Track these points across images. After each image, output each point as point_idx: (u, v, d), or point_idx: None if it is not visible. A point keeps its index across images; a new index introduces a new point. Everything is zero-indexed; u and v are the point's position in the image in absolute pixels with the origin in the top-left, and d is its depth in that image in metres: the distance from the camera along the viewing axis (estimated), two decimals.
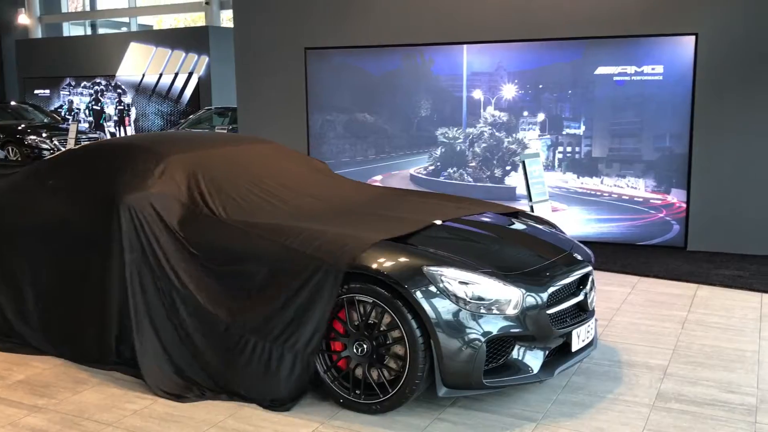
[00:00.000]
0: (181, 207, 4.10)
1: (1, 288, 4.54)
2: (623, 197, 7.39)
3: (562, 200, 7.55)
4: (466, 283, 3.48)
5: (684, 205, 7.18)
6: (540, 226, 4.55)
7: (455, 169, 8.08)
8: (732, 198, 7.00)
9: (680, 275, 6.20)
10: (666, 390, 3.88)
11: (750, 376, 4.06)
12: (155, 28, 23.75)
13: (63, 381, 4.04)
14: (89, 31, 23.79)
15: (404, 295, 3.44)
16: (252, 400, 3.70)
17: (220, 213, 4.08)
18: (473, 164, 7.98)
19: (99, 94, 19.18)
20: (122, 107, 18.86)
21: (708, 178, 7.04)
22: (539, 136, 7.64)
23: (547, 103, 7.58)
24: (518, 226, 4.49)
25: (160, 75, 18.28)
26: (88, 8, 24.16)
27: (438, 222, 4.14)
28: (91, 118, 19.24)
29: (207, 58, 17.71)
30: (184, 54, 18.02)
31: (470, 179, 8.02)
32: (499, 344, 3.54)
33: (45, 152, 14.14)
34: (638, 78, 7.18)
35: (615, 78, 7.27)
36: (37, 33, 23.33)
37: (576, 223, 7.47)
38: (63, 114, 18.96)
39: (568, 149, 7.54)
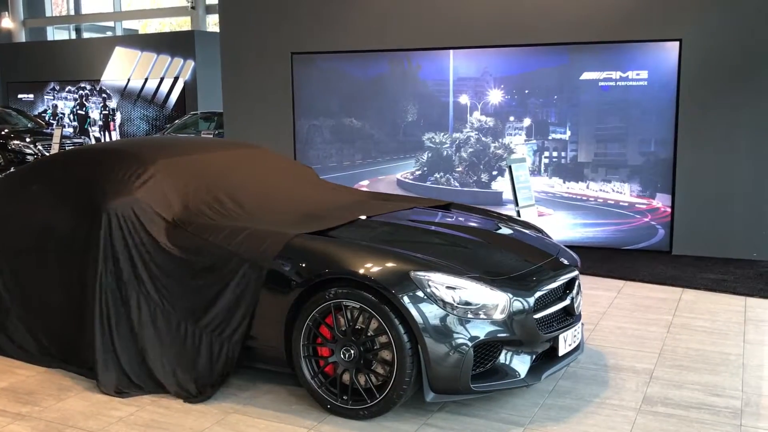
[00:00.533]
0: (154, 213, 4.11)
1: None
2: (609, 202, 7.43)
3: (548, 205, 7.59)
4: (453, 288, 3.48)
5: (669, 210, 7.23)
6: (526, 231, 4.57)
7: (442, 173, 8.09)
8: (716, 202, 7.06)
9: (665, 279, 6.24)
10: (652, 394, 3.90)
11: (735, 379, 4.09)
12: (141, 32, 23.64)
13: (47, 388, 4.00)
14: (74, 36, 23.65)
15: (391, 300, 3.44)
16: (177, 392, 3.83)
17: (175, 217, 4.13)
18: (460, 169, 8.00)
19: (84, 98, 19.06)
20: (107, 112, 18.74)
21: (692, 182, 7.11)
22: (525, 141, 7.67)
23: (533, 108, 7.62)
24: (505, 230, 4.50)
25: (146, 79, 18.20)
26: (72, 12, 24.03)
27: (363, 217, 4.30)
28: (75, 123, 19.11)
29: (193, 63, 17.65)
30: (169, 58, 17.96)
31: (457, 184, 8.04)
32: (487, 349, 3.55)
33: (29, 157, 14.02)
34: (623, 83, 7.23)
35: (600, 83, 7.32)
36: (21, 37, 23.17)
37: (562, 228, 7.50)
38: (47, 119, 18.82)
39: (554, 154, 7.58)
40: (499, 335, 3.53)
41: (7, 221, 4.53)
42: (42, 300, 4.32)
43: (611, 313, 5.35)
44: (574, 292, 4.02)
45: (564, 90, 7.48)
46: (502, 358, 3.59)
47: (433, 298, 3.44)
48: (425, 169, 8.17)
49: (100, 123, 18.82)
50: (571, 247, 4.85)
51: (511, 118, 7.71)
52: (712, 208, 7.07)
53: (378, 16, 8.23)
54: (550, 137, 7.58)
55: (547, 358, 3.77)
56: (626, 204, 7.37)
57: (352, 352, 3.56)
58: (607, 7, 7.24)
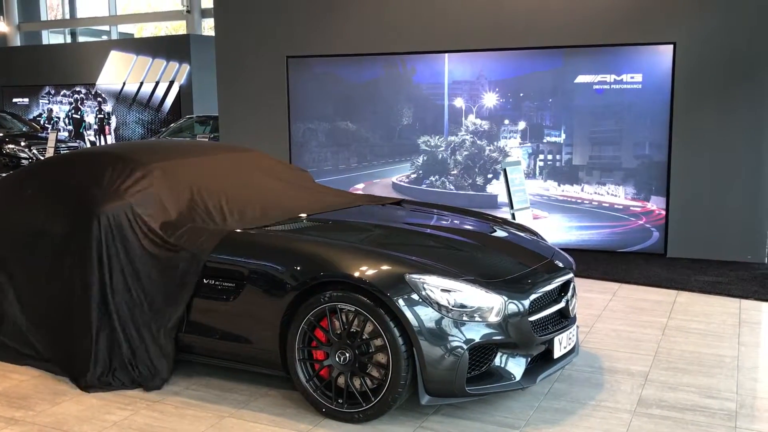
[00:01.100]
0: (144, 217, 4.15)
1: None
2: (603, 204, 7.45)
3: (543, 208, 7.60)
4: (448, 291, 3.48)
5: (663, 212, 7.25)
6: (521, 234, 4.57)
7: (437, 177, 8.10)
8: (711, 205, 7.08)
9: (660, 282, 6.25)
10: (647, 396, 3.90)
11: (729, 381, 4.10)
12: (136, 36, 23.63)
13: (41, 392, 3.99)
14: (69, 39, 23.63)
15: (387, 303, 3.44)
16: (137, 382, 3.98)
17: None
18: (455, 172, 8.01)
19: (79, 102, 19.03)
20: (102, 116, 18.72)
21: (687, 185, 7.13)
22: (520, 144, 7.69)
23: (528, 111, 7.63)
24: (500, 233, 4.51)
25: (141, 83, 18.18)
26: (67, 16, 24.02)
27: (303, 215, 4.40)
28: (70, 127, 19.08)
29: (188, 67, 17.65)
30: (165, 62, 17.95)
31: (452, 187, 8.05)
32: (482, 352, 3.55)
33: (23, 161, 13.99)
34: (617, 86, 7.25)
35: (595, 86, 7.34)
36: (16, 41, 23.14)
37: (557, 231, 7.52)
38: (42, 123, 18.78)
39: (549, 157, 7.60)
40: (494, 338, 3.53)
41: (2, 224, 4.52)
42: (35, 304, 4.31)
43: (606, 315, 5.35)
44: (569, 294, 4.02)
45: (558, 93, 7.50)
46: (497, 361, 3.59)
47: (428, 301, 3.44)
48: (420, 172, 8.17)
49: (96, 127, 18.79)
50: (566, 249, 4.86)
51: (506, 122, 7.73)
52: (706, 210, 7.09)
53: (373, 20, 8.24)
54: (544, 140, 7.60)
55: (542, 361, 3.77)
56: (621, 207, 7.39)
57: (348, 355, 3.56)
58: (601, 11, 7.27)
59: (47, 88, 19.50)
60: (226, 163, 4.94)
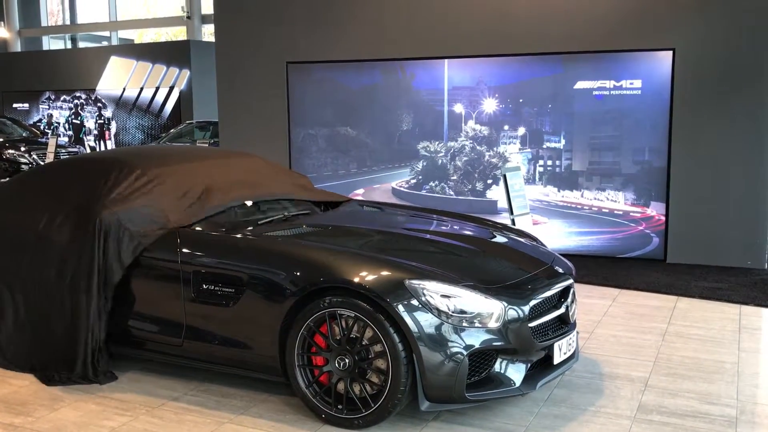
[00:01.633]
0: (139, 223, 4.18)
1: None
2: (603, 210, 7.45)
3: (542, 213, 7.60)
4: (448, 297, 3.48)
5: (663, 218, 7.25)
6: (521, 240, 4.57)
7: (437, 182, 8.11)
8: (710, 211, 7.08)
9: (660, 287, 6.25)
10: (647, 402, 3.90)
11: (730, 387, 4.09)
12: (136, 42, 23.67)
13: (40, 398, 3.98)
14: (69, 45, 23.67)
15: (386, 309, 3.43)
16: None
17: None
18: (455, 178, 8.02)
19: (79, 107, 19.05)
20: (102, 121, 18.73)
21: (686, 191, 7.13)
22: (520, 149, 7.69)
23: (528, 117, 7.64)
24: (500, 239, 4.51)
25: (141, 89, 18.21)
26: (68, 22, 24.06)
27: (249, 203, 4.51)
28: (70, 132, 19.10)
29: (188, 72, 17.68)
30: (165, 68, 17.98)
31: (452, 193, 8.05)
32: (482, 358, 3.54)
33: (24, 166, 14.00)
34: (617, 92, 7.26)
35: (594, 92, 7.35)
36: (17, 47, 23.18)
37: (557, 236, 7.51)
38: (42, 128, 18.80)
39: (549, 163, 7.60)
40: (494, 344, 3.52)
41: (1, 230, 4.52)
42: (33, 308, 4.30)
43: (606, 321, 5.35)
44: (569, 300, 4.02)
45: (558, 99, 7.51)
46: (497, 367, 3.58)
47: (427, 307, 3.44)
48: (420, 177, 8.18)
49: (96, 132, 18.81)
50: (565, 255, 4.85)
51: (506, 127, 7.73)
52: (706, 216, 7.09)
53: (373, 26, 8.26)
54: (544, 146, 7.60)
55: (542, 367, 3.76)
56: (621, 212, 7.39)
57: (347, 361, 3.55)
58: (600, 17, 7.28)
59: (47, 94, 19.53)
60: (229, 168, 4.95)
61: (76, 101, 19.09)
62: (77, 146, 17.34)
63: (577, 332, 4.19)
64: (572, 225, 7.56)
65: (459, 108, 7.90)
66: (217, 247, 4.01)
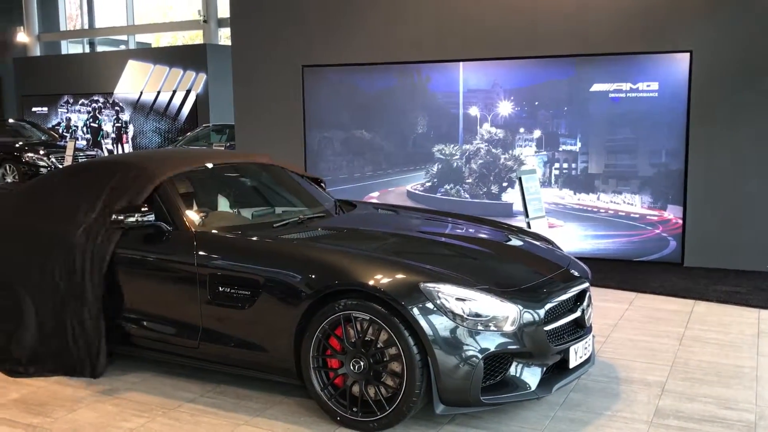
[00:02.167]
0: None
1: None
2: (619, 213, 7.41)
3: (558, 216, 7.57)
4: (463, 300, 3.48)
5: (680, 221, 7.19)
6: (537, 243, 4.55)
7: (452, 185, 8.10)
8: (728, 214, 7.02)
9: (677, 291, 6.20)
10: (664, 406, 3.87)
11: (748, 392, 4.05)
12: (153, 46, 23.86)
13: (58, 399, 4.02)
14: (87, 49, 23.89)
15: (401, 312, 3.44)
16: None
17: None
18: (470, 180, 8.00)
19: (97, 111, 19.23)
20: (120, 124, 18.90)
21: (704, 194, 7.07)
22: (536, 152, 7.67)
23: (543, 119, 7.62)
24: (515, 242, 4.50)
25: (158, 92, 18.34)
26: (86, 26, 24.29)
27: (209, 165, 4.78)
28: (88, 136, 19.27)
29: (205, 76, 17.79)
30: (182, 72, 18.10)
31: (467, 195, 8.04)
32: (497, 361, 3.53)
33: (42, 169, 14.15)
34: (633, 95, 7.22)
35: (610, 95, 7.31)
36: (36, 51, 23.44)
37: (573, 240, 7.48)
38: (61, 131, 18.99)
39: (565, 165, 7.57)
40: (509, 347, 3.51)
41: (17, 234, 4.58)
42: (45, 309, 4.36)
43: (622, 325, 5.31)
44: (585, 303, 4.00)
45: (574, 101, 7.48)
46: (512, 371, 3.57)
47: (442, 310, 3.44)
48: (435, 180, 8.17)
49: (113, 136, 18.98)
50: (581, 258, 4.83)
51: (521, 130, 7.71)
52: (723, 219, 7.03)
53: (388, 29, 8.27)
54: (560, 149, 7.57)
55: (557, 371, 3.75)
56: (637, 215, 7.34)
57: (362, 363, 3.56)
58: (616, 19, 7.25)
59: (66, 97, 19.73)
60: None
61: (94, 105, 19.27)
62: (95, 149, 17.50)
63: (593, 336, 4.16)
64: (588, 228, 7.52)
65: (474, 111, 7.89)
66: (232, 249, 4.03)
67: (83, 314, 4.23)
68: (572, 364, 3.78)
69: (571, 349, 3.77)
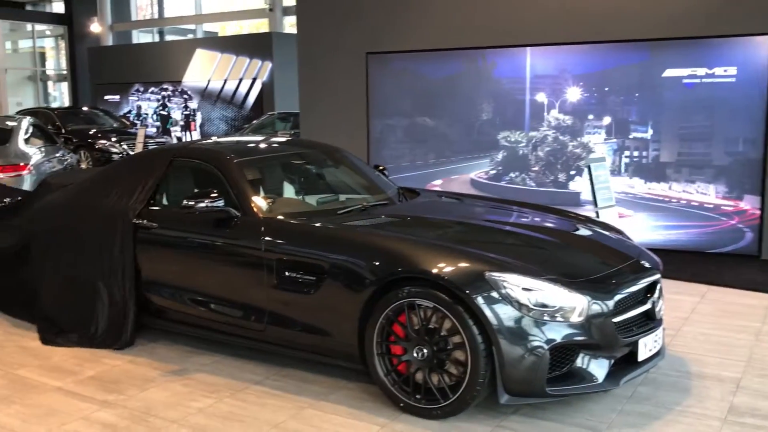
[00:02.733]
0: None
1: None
2: (693, 203, 7.15)
3: (628, 206, 7.37)
4: (529, 290, 3.43)
5: (758, 212, 6.90)
6: (606, 233, 4.44)
7: (517, 173, 7.98)
8: None
9: (753, 285, 5.95)
10: (739, 404, 3.73)
11: None
12: (219, 34, 24.29)
13: (131, 378, 4.16)
14: (157, 38, 24.51)
15: (465, 301, 3.41)
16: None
17: None
18: (536, 168, 7.86)
19: (166, 99, 19.72)
20: (188, 112, 19.33)
21: None
22: (605, 140, 7.47)
23: (613, 106, 7.41)
24: (584, 231, 4.40)
25: (225, 81, 18.67)
26: (156, 16, 24.91)
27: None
28: (158, 123, 19.80)
29: (270, 64, 17.99)
30: (248, 60, 18.36)
31: (533, 184, 7.90)
32: (563, 352, 3.47)
33: (114, 156, 14.61)
34: (709, 80, 6.94)
35: (684, 80, 7.05)
36: (109, 40, 24.18)
37: (643, 230, 7.26)
38: (131, 119, 19.56)
39: (635, 153, 7.35)
40: (576, 338, 3.45)
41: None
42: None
43: (694, 318, 5.14)
44: (656, 295, 3.89)
45: (646, 87, 7.24)
46: (579, 362, 3.51)
47: (508, 300, 3.40)
48: (500, 168, 8.07)
49: (182, 123, 19.44)
50: (651, 249, 4.68)
51: (590, 117, 7.52)
52: None
53: (453, 15, 8.18)
54: (630, 136, 7.36)
55: (626, 363, 3.66)
56: (711, 206, 7.08)
57: (426, 351, 3.55)
58: (691, 1, 6.97)
59: (137, 86, 20.28)
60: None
61: (163, 93, 19.76)
62: (164, 137, 17.97)
63: (664, 329, 4.04)
64: (659, 218, 7.30)
65: (541, 97, 7.73)
66: (299, 235, 4.08)
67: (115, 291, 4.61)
68: (641, 357, 3.69)
69: (641, 342, 3.67)
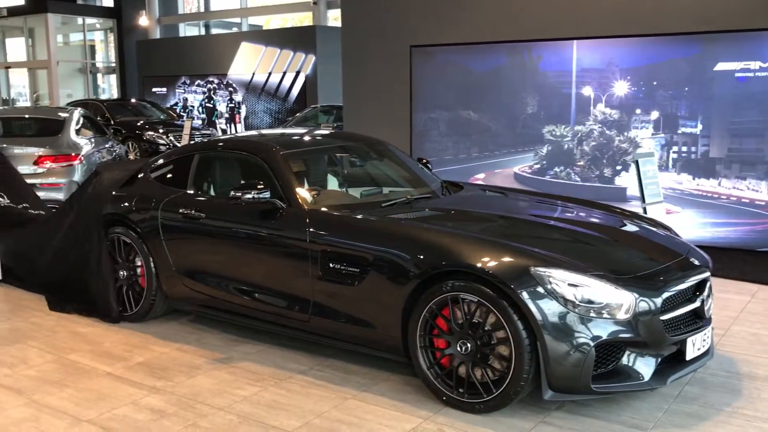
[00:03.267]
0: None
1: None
2: (743, 200, 6.98)
3: (675, 202, 7.22)
4: (575, 286, 3.40)
5: None
6: (654, 229, 4.37)
7: (562, 168, 7.88)
8: None
9: None
10: None
11: None
12: (264, 28, 24.50)
13: (178, 365, 4.25)
14: (203, 32, 24.85)
15: (510, 296, 3.40)
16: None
17: None
18: (581, 163, 7.76)
19: (211, 92, 20.00)
20: (233, 105, 19.58)
21: None
22: (652, 134, 7.33)
23: (662, 100, 7.26)
24: (631, 227, 4.34)
25: (269, 74, 18.84)
26: (202, 9, 25.24)
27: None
28: (204, 115, 20.09)
29: (314, 57, 18.10)
30: (291, 53, 18.50)
31: (578, 179, 7.80)
32: (609, 349, 3.44)
33: (162, 147, 14.89)
34: (763, 74, 6.75)
35: (737, 74, 6.87)
36: (156, 34, 24.60)
37: (690, 227, 7.12)
38: (178, 111, 19.89)
39: (683, 149, 7.20)
40: (622, 336, 3.41)
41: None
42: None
43: (744, 318, 5.03)
44: (705, 294, 3.82)
45: (696, 81, 7.08)
46: (625, 359, 3.47)
47: (553, 295, 3.37)
48: (544, 162, 7.98)
49: (227, 116, 19.69)
50: (699, 247, 4.59)
51: (638, 111, 7.39)
52: None
53: (498, 8, 8.11)
54: (679, 131, 7.21)
55: (673, 362, 3.61)
56: (763, 203, 6.89)
57: (469, 345, 3.55)
58: None
59: (183, 78, 20.60)
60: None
61: (209, 86, 20.05)
62: (210, 129, 18.23)
63: (712, 328, 3.97)
64: (707, 215, 7.14)
65: (588, 91, 7.62)
66: (343, 227, 4.10)
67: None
68: (689, 356, 3.63)
69: (689, 341, 3.62)
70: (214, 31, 24.60)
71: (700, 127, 7.10)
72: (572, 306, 3.37)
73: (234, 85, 19.52)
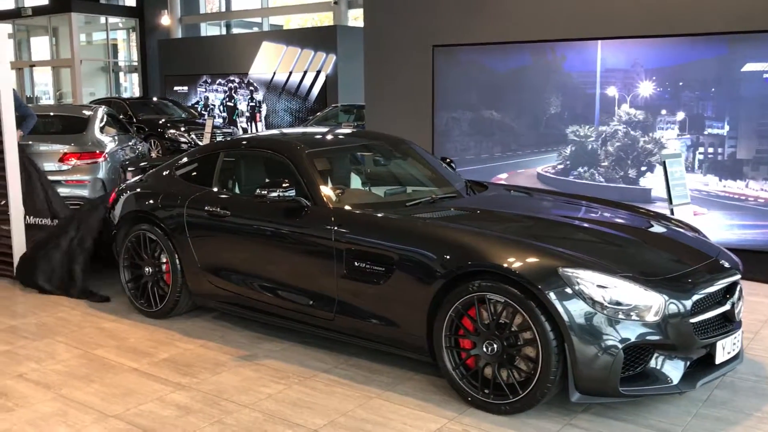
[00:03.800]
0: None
1: None
2: None
3: (701, 204, 7.13)
4: (603, 287, 3.36)
5: None
6: (682, 230, 4.32)
7: (586, 168, 7.82)
8: None
9: None
10: None
11: None
12: (285, 28, 24.58)
13: (203, 362, 4.27)
14: (224, 31, 24.99)
15: (537, 296, 3.37)
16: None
17: None
18: (605, 164, 7.69)
19: (232, 91, 20.09)
20: (254, 104, 19.65)
21: None
22: (678, 135, 7.25)
23: (688, 101, 7.18)
24: (659, 229, 4.29)
25: (290, 73, 18.89)
26: (223, 9, 25.38)
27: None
28: (225, 114, 20.19)
29: (334, 57, 18.12)
30: (312, 53, 18.53)
31: (602, 179, 7.74)
32: (638, 352, 3.40)
33: (183, 145, 14.97)
34: None
35: (765, 75, 6.77)
36: (178, 33, 24.77)
37: (716, 229, 7.03)
38: (199, 110, 20.01)
39: (710, 150, 7.11)
40: (651, 338, 3.37)
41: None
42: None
43: None
44: (735, 297, 3.76)
45: (723, 82, 6.99)
46: (653, 362, 3.43)
47: (581, 296, 3.34)
48: (568, 163, 7.92)
49: (247, 114, 19.78)
50: (727, 249, 4.53)
51: (663, 112, 7.31)
52: None
53: (522, 7, 8.06)
54: (705, 132, 7.12)
55: (702, 365, 3.56)
56: None
57: (495, 346, 3.53)
58: None
59: (204, 77, 20.72)
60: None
61: (230, 85, 20.14)
62: (231, 127, 18.32)
63: (742, 332, 3.91)
64: (734, 217, 7.04)
65: (612, 91, 7.56)
66: (368, 226, 4.10)
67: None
68: (719, 359, 3.59)
69: (718, 344, 3.57)
70: (235, 30, 24.72)
71: (726, 128, 7.01)
72: (600, 307, 3.34)
73: (255, 84, 19.59)
